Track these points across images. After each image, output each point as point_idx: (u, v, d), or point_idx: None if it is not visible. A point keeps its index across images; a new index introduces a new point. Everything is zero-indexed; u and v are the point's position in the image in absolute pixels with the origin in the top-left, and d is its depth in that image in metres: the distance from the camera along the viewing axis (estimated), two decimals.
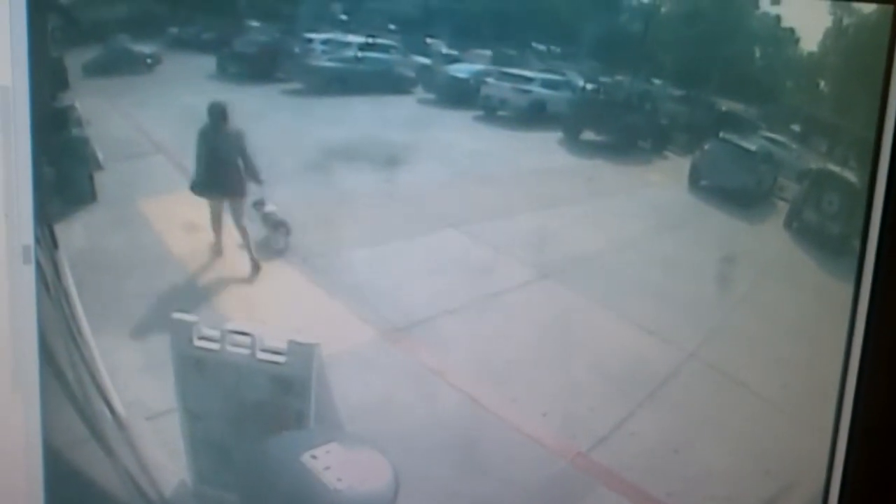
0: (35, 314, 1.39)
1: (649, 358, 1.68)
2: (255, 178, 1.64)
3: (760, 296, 1.63)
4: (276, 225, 1.67)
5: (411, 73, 1.74)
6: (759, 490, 1.60)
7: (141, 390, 1.60)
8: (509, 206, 1.72)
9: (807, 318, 1.56)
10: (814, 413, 1.50)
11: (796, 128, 1.67)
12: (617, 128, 1.74)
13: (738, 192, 1.73)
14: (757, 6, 1.63)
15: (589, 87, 1.73)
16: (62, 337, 1.51)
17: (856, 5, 1.49)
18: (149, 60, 1.64)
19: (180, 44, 1.64)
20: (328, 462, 1.46)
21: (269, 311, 1.65)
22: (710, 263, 1.62)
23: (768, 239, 1.68)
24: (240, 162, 1.62)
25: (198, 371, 1.56)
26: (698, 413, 1.66)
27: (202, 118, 1.59)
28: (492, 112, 1.76)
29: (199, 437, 1.60)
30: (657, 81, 1.69)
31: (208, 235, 1.67)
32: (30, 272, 1.38)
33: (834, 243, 1.58)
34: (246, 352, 1.55)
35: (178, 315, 1.56)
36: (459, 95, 1.74)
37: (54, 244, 1.50)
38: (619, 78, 1.71)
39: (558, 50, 1.74)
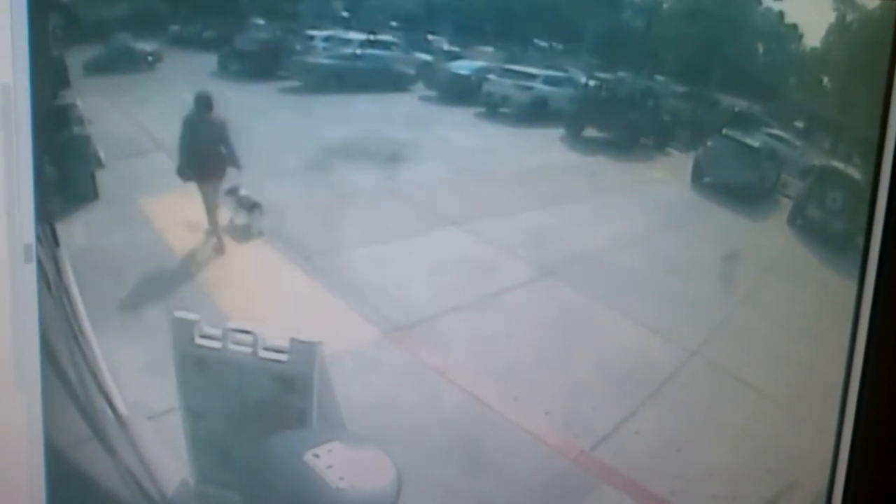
0: (36, 313, 1.39)
1: (652, 356, 1.68)
2: (236, 164, 1.67)
3: (763, 293, 1.63)
4: (251, 207, 1.70)
5: (413, 70, 1.74)
6: (761, 489, 1.59)
7: (143, 389, 1.60)
8: (511, 204, 1.72)
9: (810, 316, 1.55)
10: (817, 411, 1.49)
11: (800, 124, 1.67)
12: (619, 125, 1.73)
13: (742, 188, 1.73)
14: (760, 2, 1.63)
15: (591, 83, 1.72)
16: (64, 336, 1.51)
17: (859, 1, 1.48)
18: (150, 58, 1.64)
19: (181, 42, 1.64)
20: (330, 461, 1.45)
21: (271, 310, 1.65)
22: (713, 261, 1.62)
23: (771, 236, 1.68)
24: (222, 149, 1.65)
25: (199, 370, 1.56)
26: (701, 412, 1.65)
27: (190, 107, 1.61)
28: (493, 109, 1.76)
29: (200, 436, 1.60)
30: (659, 78, 1.69)
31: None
32: (31, 271, 1.37)
33: (837, 240, 1.57)
34: (248, 350, 1.55)
35: (179, 314, 1.56)
36: (461, 92, 1.74)
37: (56, 243, 1.50)
38: (621, 75, 1.70)
39: (560, 46, 1.73)
